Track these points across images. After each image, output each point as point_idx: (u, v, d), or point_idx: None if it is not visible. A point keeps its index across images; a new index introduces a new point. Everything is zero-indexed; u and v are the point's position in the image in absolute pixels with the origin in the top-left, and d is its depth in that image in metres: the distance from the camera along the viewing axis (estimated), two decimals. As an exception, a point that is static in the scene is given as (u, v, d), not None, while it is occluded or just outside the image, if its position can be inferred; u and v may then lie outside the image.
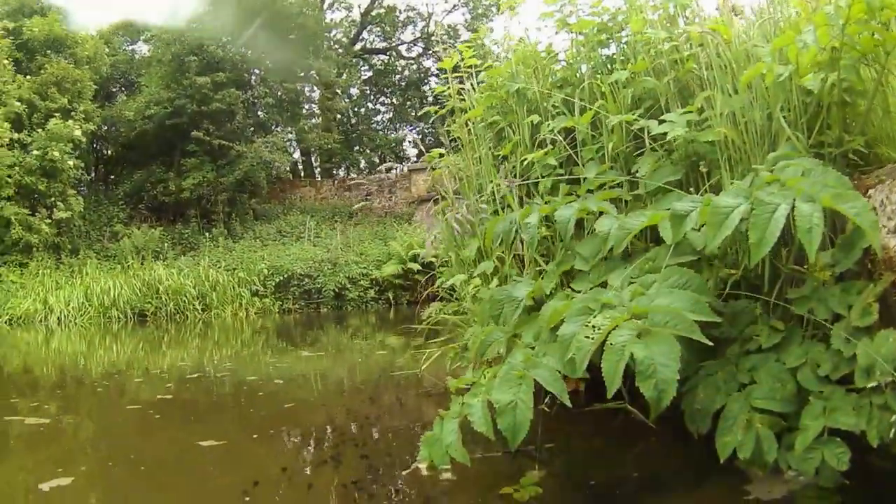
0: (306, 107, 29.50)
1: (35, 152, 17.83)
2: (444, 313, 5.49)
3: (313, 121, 29.12)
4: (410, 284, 17.42)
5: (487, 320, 3.51)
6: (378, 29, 34.71)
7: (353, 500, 2.80)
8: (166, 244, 20.07)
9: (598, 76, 4.25)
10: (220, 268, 18.10)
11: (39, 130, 18.20)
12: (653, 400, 2.33)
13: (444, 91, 5.30)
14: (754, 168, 2.86)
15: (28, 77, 19.12)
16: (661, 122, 3.45)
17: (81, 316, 15.91)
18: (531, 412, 2.58)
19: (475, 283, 4.53)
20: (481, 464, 3.03)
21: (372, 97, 35.55)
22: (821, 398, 2.50)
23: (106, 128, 23.56)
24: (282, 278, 17.82)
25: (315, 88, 28.94)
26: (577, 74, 4.48)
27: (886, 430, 2.28)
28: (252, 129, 24.36)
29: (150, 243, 19.50)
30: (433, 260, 6.00)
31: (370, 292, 17.97)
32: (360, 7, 33.24)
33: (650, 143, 3.62)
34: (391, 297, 17.99)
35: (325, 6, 31.50)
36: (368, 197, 24.17)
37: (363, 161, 32.83)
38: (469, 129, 5.14)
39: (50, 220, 18.01)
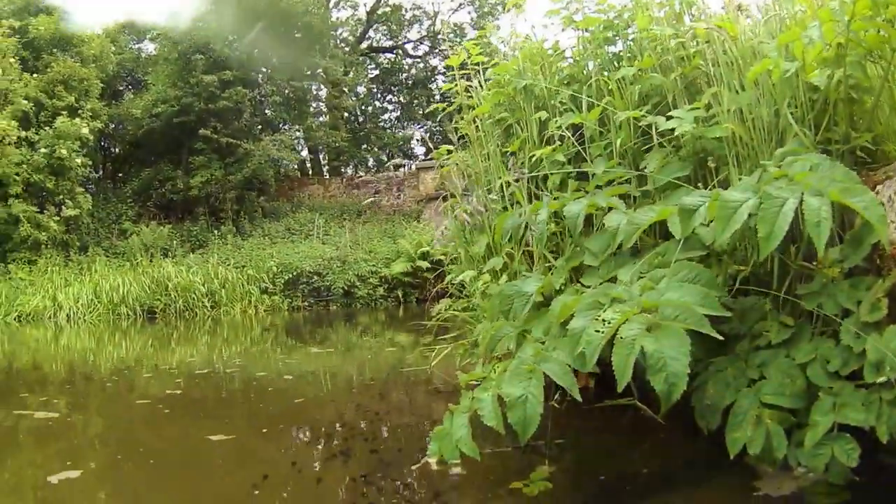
0: (314, 105, 29.58)
1: (43, 150, 17.90)
2: (454, 310, 5.50)
3: (321, 119, 29.20)
4: (420, 282, 17.42)
5: (497, 315, 3.51)
6: (384, 27, 34.71)
7: (363, 493, 2.81)
8: (175, 242, 20.10)
9: (605, 73, 4.26)
10: (228, 265, 18.13)
11: (47, 128, 18.27)
12: (663, 393, 2.33)
13: (451, 88, 5.32)
14: (762, 164, 2.86)
15: (35, 75, 19.16)
16: (669, 118, 3.45)
17: (90, 313, 16.00)
18: (541, 406, 2.59)
19: (484, 280, 4.54)
20: (491, 459, 3.05)
21: (379, 95, 35.59)
22: (830, 394, 2.50)
23: (113, 126, 23.58)
24: (291, 276, 17.84)
25: (322, 87, 28.97)
26: (584, 72, 4.49)
27: (896, 426, 2.27)
28: (260, 127, 24.37)
29: (158, 241, 19.55)
30: (442, 258, 6.02)
31: (379, 290, 17.96)
32: (365, 5, 33.32)
33: (658, 140, 3.63)
34: (400, 295, 17.96)
35: (331, 5, 31.50)
36: (377, 194, 24.16)
37: (371, 159, 32.84)
38: (477, 126, 5.15)
39: (58, 218, 18.08)
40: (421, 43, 34.55)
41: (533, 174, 4.28)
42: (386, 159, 32.21)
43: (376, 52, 34.94)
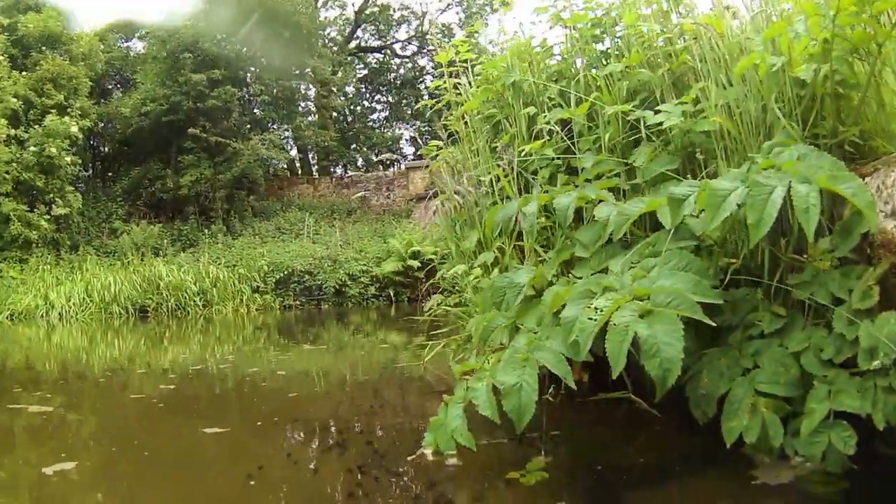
0: (302, 104, 29.55)
1: (32, 148, 17.84)
2: (446, 306, 5.53)
3: (310, 118, 29.15)
4: (410, 282, 17.40)
5: (489, 307, 3.53)
6: (372, 27, 34.69)
7: (358, 483, 2.83)
8: (165, 241, 20.05)
9: (593, 70, 4.30)
10: (219, 264, 18.11)
11: (36, 127, 18.20)
12: (658, 378, 2.36)
13: (440, 86, 5.35)
14: (750, 156, 2.90)
15: (24, 73, 19.08)
16: (657, 112, 3.49)
17: (82, 311, 15.97)
18: (536, 394, 2.61)
19: (476, 274, 4.57)
20: (487, 450, 3.06)
21: (368, 95, 35.55)
22: (825, 382, 2.51)
23: (102, 125, 23.49)
24: (282, 275, 17.84)
25: (311, 86, 28.90)
26: (573, 69, 4.52)
27: (892, 413, 2.29)
28: (248, 126, 24.30)
29: (149, 240, 19.51)
30: (433, 257, 6.03)
31: (371, 289, 17.96)
32: (353, 5, 33.26)
33: (646, 134, 3.67)
34: (392, 294, 17.96)
35: (319, 4, 31.41)
36: (366, 192, 24.15)
37: (360, 159, 32.82)
38: (466, 123, 5.18)
39: (49, 217, 18.04)
40: (409, 43, 34.57)
41: (521, 159, 4.30)
42: (375, 159, 32.20)
43: (364, 51, 34.90)
